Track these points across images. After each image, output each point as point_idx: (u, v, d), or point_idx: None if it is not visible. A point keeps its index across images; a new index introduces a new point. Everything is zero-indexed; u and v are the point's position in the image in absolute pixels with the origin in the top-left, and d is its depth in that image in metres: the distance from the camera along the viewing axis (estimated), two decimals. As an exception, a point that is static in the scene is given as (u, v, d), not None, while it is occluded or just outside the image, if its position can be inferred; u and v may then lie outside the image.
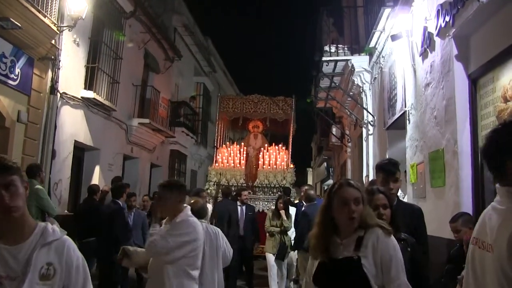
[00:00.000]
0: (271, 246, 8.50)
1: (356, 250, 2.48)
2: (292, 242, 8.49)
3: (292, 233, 8.59)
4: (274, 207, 9.17)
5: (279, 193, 11.44)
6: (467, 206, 4.81)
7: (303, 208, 8.39)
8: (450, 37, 5.29)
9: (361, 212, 2.53)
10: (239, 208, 9.17)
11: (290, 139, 14.40)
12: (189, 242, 3.72)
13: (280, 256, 8.35)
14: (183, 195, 3.90)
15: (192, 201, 5.00)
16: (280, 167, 13.32)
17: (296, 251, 8.47)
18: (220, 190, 10.48)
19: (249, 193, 12.61)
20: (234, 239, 8.37)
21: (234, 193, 10.00)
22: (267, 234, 8.71)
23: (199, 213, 4.74)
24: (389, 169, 3.67)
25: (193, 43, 18.25)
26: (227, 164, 13.52)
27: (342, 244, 2.53)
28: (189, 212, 3.87)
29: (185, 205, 3.88)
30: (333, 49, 11.30)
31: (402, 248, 2.63)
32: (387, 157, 8.85)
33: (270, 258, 8.48)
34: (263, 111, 14.40)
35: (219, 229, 4.92)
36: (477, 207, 4.78)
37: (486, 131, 4.73)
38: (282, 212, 8.51)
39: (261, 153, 13.92)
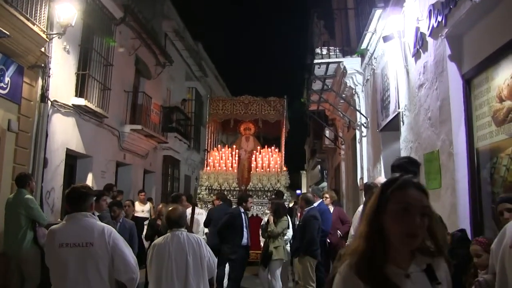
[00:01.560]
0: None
1: (435, 284, 1.76)
2: (287, 248, 8.22)
3: (287, 239, 8.34)
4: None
5: (272, 196, 11.27)
6: (464, 208, 4.78)
7: (306, 212, 7.83)
8: (443, 37, 5.26)
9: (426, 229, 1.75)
10: (243, 215, 8.49)
11: (283, 141, 14.17)
12: None
13: (263, 262, 7.99)
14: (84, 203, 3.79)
15: (170, 209, 4.78)
16: (273, 169, 13.10)
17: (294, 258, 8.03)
18: (217, 196, 10.11)
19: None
20: (238, 248, 8.10)
21: (237, 198, 9.48)
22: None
23: (177, 222, 4.54)
24: (409, 170, 3.10)
25: (184, 48, 18.20)
26: (219, 168, 13.26)
27: (410, 277, 1.74)
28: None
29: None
30: (324, 52, 11.30)
31: None
32: (381, 158, 8.82)
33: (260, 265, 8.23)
34: (254, 112, 14.06)
35: (201, 238, 4.64)
36: (473, 208, 4.74)
37: (482, 131, 4.70)
38: (271, 217, 8.11)
39: (253, 155, 13.68)
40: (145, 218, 11.26)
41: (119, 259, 3.63)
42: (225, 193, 11.91)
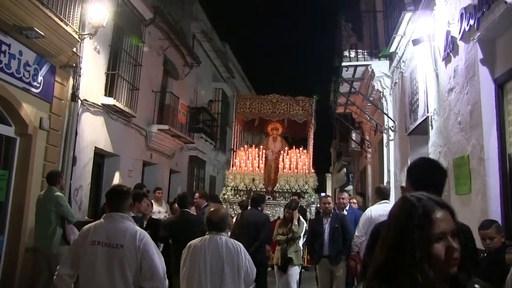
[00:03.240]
0: (276, 256, 7.65)
1: None
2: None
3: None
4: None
5: (294, 197, 10.93)
6: (496, 214, 4.68)
7: (333, 214, 7.45)
8: (474, 40, 5.18)
9: None
10: None
11: (311, 141, 13.95)
12: None
13: (281, 266, 7.47)
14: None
15: (211, 210, 4.41)
16: (301, 171, 12.91)
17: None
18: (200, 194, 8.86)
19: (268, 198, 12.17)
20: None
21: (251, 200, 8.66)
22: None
23: (218, 225, 4.23)
24: (439, 181, 2.56)
25: (211, 49, 18.28)
26: (245, 168, 13.12)
27: None
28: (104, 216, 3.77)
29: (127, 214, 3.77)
30: (352, 54, 11.23)
31: None
32: (408, 162, 8.66)
33: (276, 270, 7.71)
34: (282, 112, 13.74)
35: (241, 244, 4.25)
36: (506, 214, 4.64)
37: (514, 137, 4.62)
38: (296, 217, 7.51)
39: (280, 156, 13.52)
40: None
41: (147, 265, 3.55)
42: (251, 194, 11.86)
